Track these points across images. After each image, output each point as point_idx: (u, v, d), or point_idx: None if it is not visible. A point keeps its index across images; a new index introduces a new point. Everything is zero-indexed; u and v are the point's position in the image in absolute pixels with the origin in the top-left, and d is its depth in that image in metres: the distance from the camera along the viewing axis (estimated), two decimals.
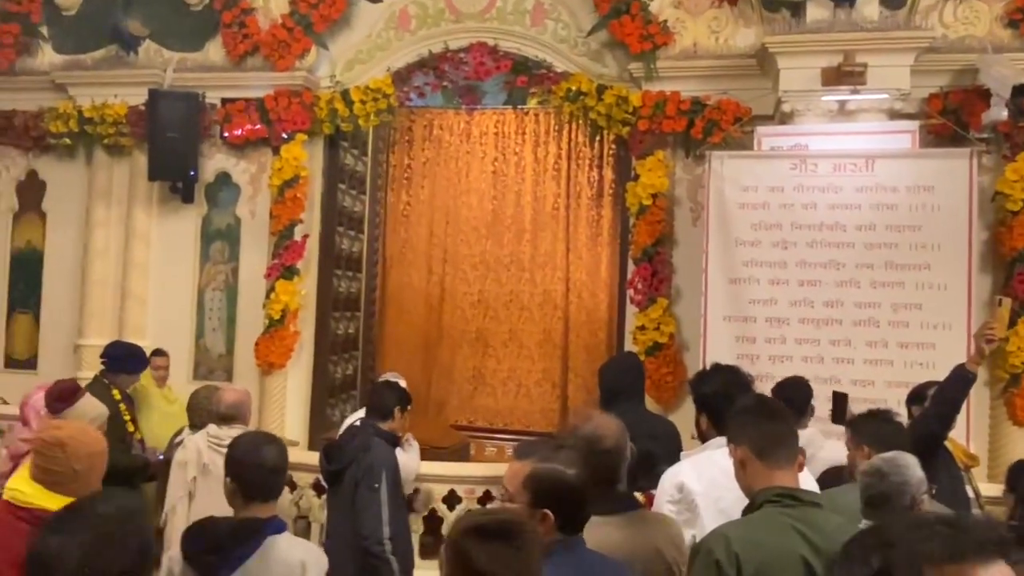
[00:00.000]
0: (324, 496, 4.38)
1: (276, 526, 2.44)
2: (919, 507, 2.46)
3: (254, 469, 2.44)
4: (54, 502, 2.31)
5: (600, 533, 2.07)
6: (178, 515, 3.86)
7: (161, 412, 5.04)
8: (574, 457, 2.04)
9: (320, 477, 4.33)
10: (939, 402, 3.58)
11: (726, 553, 1.96)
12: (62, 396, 3.15)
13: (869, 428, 3.07)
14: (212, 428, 3.90)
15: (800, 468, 2.21)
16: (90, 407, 3.17)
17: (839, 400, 3.79)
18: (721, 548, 1.98)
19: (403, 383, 4.53)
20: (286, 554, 2.40)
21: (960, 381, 3.58)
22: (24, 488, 2.37)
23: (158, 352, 5.48)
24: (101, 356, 4.79)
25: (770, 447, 2.14)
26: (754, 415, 2.24)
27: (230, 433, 3.75)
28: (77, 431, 2.51)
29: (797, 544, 1.99)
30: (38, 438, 2.44)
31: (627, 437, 2.39)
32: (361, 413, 4.52)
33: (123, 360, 4.73)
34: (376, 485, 3.60)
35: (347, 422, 4.56)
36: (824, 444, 3.76)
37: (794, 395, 3.82)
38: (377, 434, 3.79)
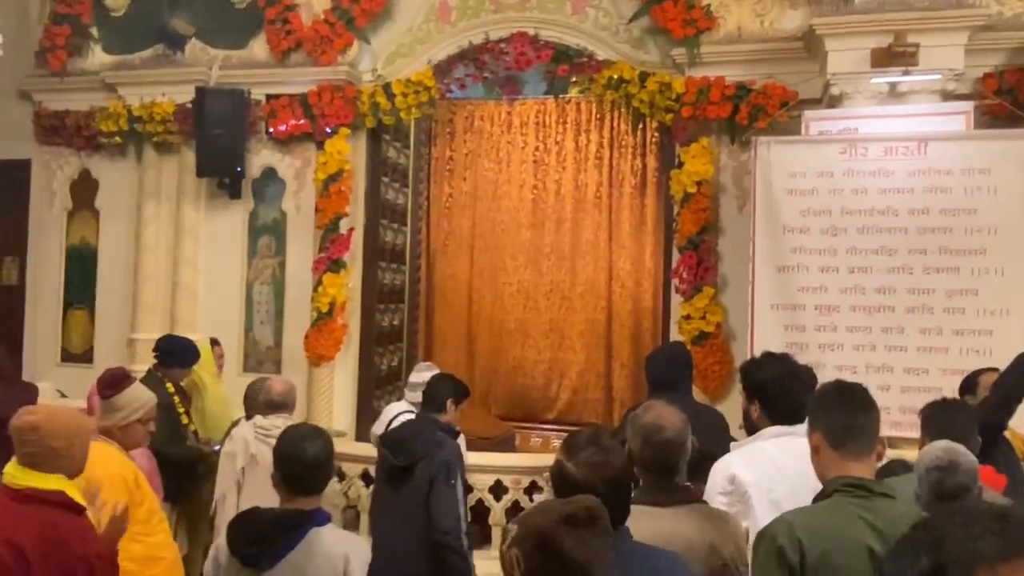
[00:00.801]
0: (373, 487, 4.29)
1: (320, 518, 2.48)
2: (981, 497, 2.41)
3: (296, 463, 2.50)
4: (44, 481, 2.48)
5: (655, 524, 2.05)
6: (228, 505, 3.94)
7: (218, 403, 5.12)
8: (610, 452, 1.98)
9: (371, 469, 4.34)
10: (1001, 390, 3.50)
11: (789, 539, 1.95)
12: (111, 383, 3.24)
13: (941, 418, 3.01)
14: (259, 419, 3.97)
15: (879, 458, 2.16)
16: (139, 393, 3.27)
17: None
18: (784, 534, 1.96)
19: (433, 368, 4.58)
20: (329, 546, 2.44)
21: (1022, 369, 3.50)
22: (15, 472, 2.53)
23: (215, 342, 5.59)
24: (153, 350, 4.90)
25: (844, 436, 2.09)
26: (832, 402, 2.17)
27: (275, 423, 3.83)
28: (50, 413, 2.63)
29: (863, 534, 1.96)
30: (12, 424, 2.56)
31: (689, 430, 2.35)
32: (402, 405, 4.55)
33: (174, 353, 4.82)
34: (452, 481, 3.60)
35: (388, 413, 4.57)
36: None
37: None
38: (440, 428, 3.78)
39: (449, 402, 3.90)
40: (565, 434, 2.37)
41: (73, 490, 2.54)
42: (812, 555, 1.93)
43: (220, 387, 5.27)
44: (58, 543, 2.41)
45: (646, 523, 2.02)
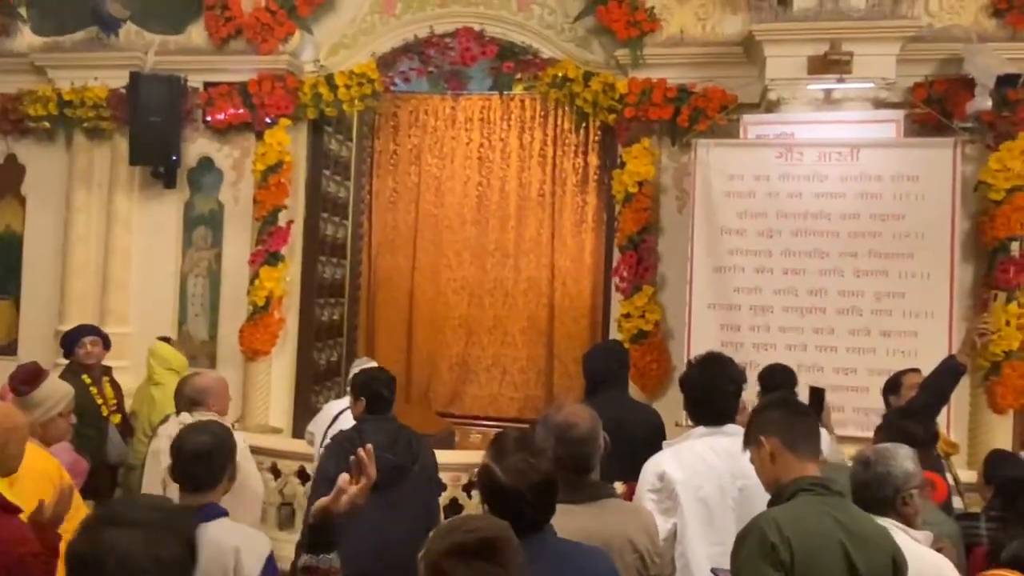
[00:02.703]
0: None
1: (208, 513, 2.45)
2: (906, 501, 2.47)
3: (182, 457, 2.51)
4: None
5: (571, 522, 2.08)
6: None
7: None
8: (537, 456, 1.99)
9: (307, 466, 4.18)
10: (928, 393, 3.63)
11: (779, 536, 2.04)
12: (26, 379, 3.14)
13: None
14: (184, 416, 3.83)
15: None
16: (56, 387, 3.17)
17: (816, 395, 3.81)
18: (774, 531, 2.05)
19: (372, 363, 4.52)
20: (217, 541, 2.39)
21: (950, 372, 3.65)
22: None
23: (167, 339, 5.53)
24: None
25: (799, 440, 2.24)
26: (783, 410, 2.34)
27: (199, 420, 3.72)
28: None
29: (835, 530, 2.09)
30: None
31: (599, 426, 2.40)
32: (344, 402, 4.45)
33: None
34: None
35: (329, 410, 4.50)
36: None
37: (783, 382, 3.84)
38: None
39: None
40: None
41: (4, 489, 2.44)
42: (799, 552, 2.04)
43: None
44: None
45: (567, 521, 2.04)
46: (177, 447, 2.54)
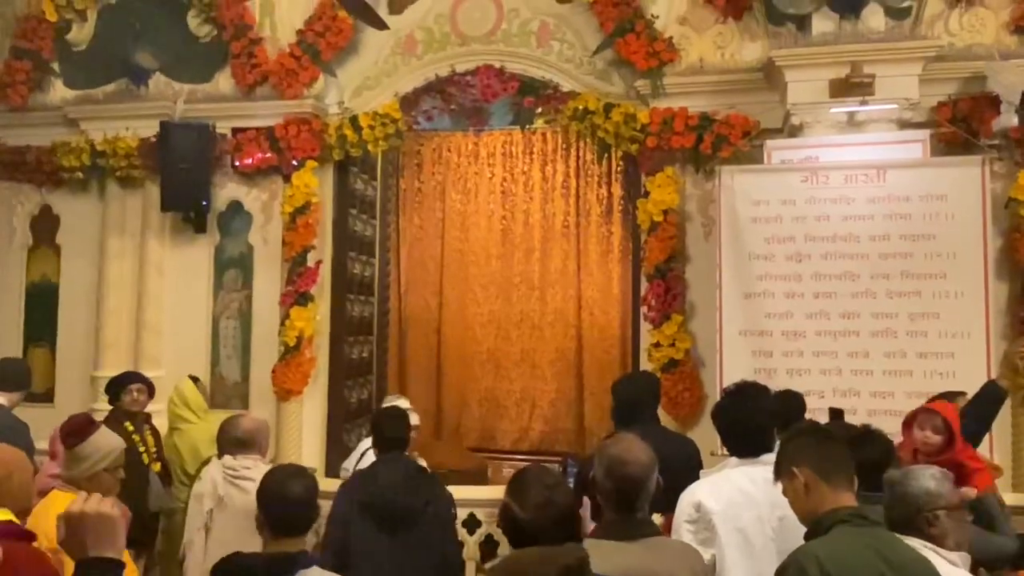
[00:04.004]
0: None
1: (306, 560, 2.43)
2: (931, 522, 2.42)
3: (279, 503, 2.45)
4: None
5: (622, 560, 2.05)
6: (195, 548, 3.79)
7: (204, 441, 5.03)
8: (555, 491, 2.02)
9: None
10: (971, 419, 3.57)
11: (819, 571, 2.00)
12: (75, 431, 3.16)
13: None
14: (227, 459, 3.85)
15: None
16: (104, 441, 3.18)
17: (835, 416, 3.75)
18: (814, 566, 2.01)
19: (407, 404, 4.44)
20: None
21: (992, 398, 3.61)
22: None
23: (195, 379, 5.52)
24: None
25: (833, 469, 2.19)
26: (813, 437, 2.30)
27: (244, 463, 3.73)
28: None
29: (876, 562, 2.04)
30: None
31: (655, 468, 2.35)
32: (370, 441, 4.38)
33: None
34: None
35: (360, 446, 4.48)
36: None
37: (788, 407, 3.78)
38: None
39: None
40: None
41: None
42: None
43: (211, 424, 5.19)
44: (16, 572, 2.35)
45: (614, 559, 2.02)
46: (278, 493, 2.47)
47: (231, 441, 3.81)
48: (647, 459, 2.34)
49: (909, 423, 3.64)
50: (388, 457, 3.56)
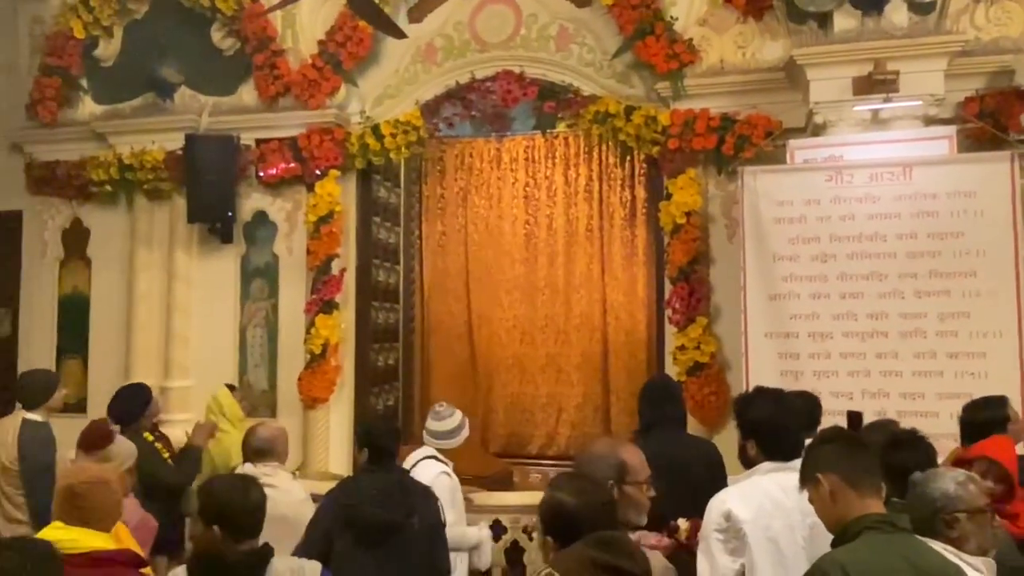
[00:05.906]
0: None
1: (273, 552, 2.51)
2: (950, 524, 2.37)
3: (240, 510, 2.49)
4: (103, 540, 2.51)
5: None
6: None
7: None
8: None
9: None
10: None
11: None
12: (101, 436, 3.26)
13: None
14: (248, 467, 3.88)
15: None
16: (125, 445, 3.29)
17: (853, 419, 3.67)
18: (839, 574, 1.98)
19: (455, 412, 4.29)
20: (285, 570, 2.48)
21: None
22: (75, 535, 2.45)
23: (232, 387, 5.63)
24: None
25: (860, 475, 2.17)
26: (838, 443, 2.27)
27: (265, 471, 3.75)
28: (99, 471, 2.68)
29: (904, 569, 2.01)
30: (66, 484, 2.56)
31: (594, 501, 2.24)
32: (424, 450, 4.20)
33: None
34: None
35: (415, 458, 4.32)
36: None
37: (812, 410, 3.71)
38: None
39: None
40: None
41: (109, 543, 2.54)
42: None
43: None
44: None
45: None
46: (234, 500, 2.52)
47: (251, 450, 3.86)
48: (584, 494, 2.14)
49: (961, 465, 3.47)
50: (373, 467, 3.49)
